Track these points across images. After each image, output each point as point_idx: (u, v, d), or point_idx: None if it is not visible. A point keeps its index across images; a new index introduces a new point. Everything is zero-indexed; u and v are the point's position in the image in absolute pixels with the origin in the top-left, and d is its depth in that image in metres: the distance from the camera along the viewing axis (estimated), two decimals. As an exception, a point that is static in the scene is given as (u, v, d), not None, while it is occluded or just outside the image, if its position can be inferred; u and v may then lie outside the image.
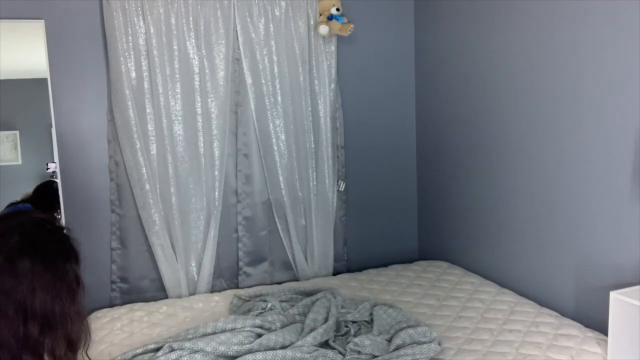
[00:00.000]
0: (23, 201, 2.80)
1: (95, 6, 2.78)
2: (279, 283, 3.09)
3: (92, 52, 2.80)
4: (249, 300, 2.69)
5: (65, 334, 1.15)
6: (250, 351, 2.09)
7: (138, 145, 2.81)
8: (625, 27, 2.09)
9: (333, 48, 3.19)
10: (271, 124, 3.06)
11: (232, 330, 2.25)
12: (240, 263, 3.14)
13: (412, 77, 3.49)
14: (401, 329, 2.21)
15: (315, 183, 3.22)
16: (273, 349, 2.12)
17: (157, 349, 2.14)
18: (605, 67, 2.18)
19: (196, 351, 2.08)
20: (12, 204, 2.72)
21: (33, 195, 2.79)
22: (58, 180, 2.81)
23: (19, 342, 1.08)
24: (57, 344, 1.13)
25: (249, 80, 3.02)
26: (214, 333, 2.23)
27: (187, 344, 2.10)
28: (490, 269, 2.92)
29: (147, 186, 2.84)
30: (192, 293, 2.99)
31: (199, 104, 2.94)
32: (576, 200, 2.36)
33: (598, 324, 2.24)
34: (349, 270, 3.34)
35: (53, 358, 1.14)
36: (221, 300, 2.78)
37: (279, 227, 3.18)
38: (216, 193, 3.01)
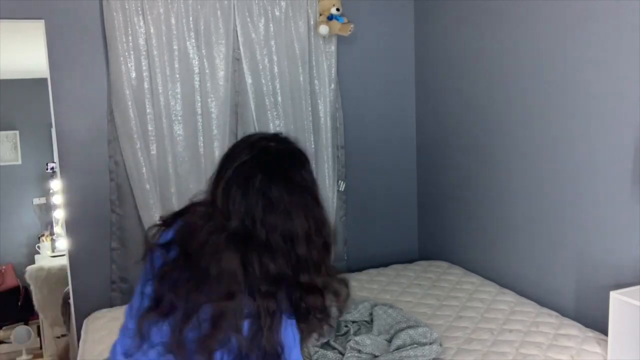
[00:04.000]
0: None
1: (95, 6, 2.77)
2: (279, 283, 3.09)
3: (92, 52, 2.80)
4: (249, 300, 2.69)
5: (324, 240, 1.20)
6: None
7: (138, 145, 2.81)
8: (625, 28, 2.09)
9: (333, 48, 3.19)
10: (271, 124, 3.06)
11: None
12: (240, 263, 3.13)
13: (412, 77, 3.49)
14: (401, 330, 2.21)
15: (315, 183, 3.21)
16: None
17: None
18: (606, 67, 2.18)
19: None
20: None
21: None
22: (58, 180, 2.81)
23: (295, 269, 1.13)
24: (319, 252, 1.18)
25: (249, 80, 3.02)
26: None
27: None
28: (490, 269, 2.92)
29: (147, 186, 2.84)
30: (192, 293, 2.99)
31: (199, 104, 2.94)
32: (576, 200, 2.36)
33: (598, 324, 2.23)
34: (349, 270, 3.33)
35: (317, 269, 1.18)
36: (221, 300, 2.77)
37: (279, 227, 3.17)
38: (216, 193, 3.00)
